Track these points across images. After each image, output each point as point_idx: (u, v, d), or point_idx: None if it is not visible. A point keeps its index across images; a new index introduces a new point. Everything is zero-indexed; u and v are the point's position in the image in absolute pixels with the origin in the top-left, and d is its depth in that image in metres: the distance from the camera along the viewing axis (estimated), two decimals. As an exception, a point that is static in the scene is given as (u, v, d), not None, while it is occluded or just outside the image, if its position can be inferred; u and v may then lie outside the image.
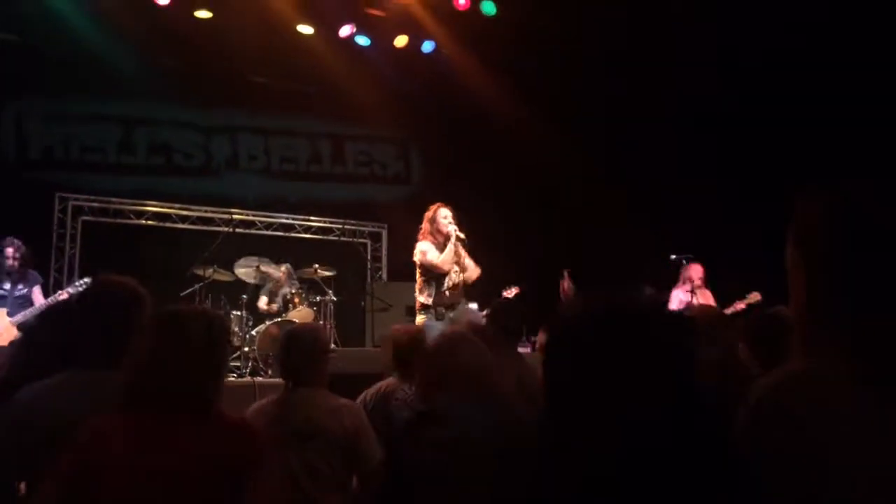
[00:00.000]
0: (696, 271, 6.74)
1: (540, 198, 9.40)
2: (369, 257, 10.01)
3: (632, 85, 8.21)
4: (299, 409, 2.83)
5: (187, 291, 7.48)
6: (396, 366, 3.47)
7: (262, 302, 7.94)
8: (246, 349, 7.21)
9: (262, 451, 1.92)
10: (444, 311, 5.67)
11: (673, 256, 6.83)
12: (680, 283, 6.86)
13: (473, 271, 5.85)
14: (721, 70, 7.52)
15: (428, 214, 5.85)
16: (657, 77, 7.97)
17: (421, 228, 5.86)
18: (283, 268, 8.03)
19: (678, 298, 6.78)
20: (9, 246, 5.99)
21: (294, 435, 2.75)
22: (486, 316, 3.82)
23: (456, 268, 5.78)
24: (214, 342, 1.96)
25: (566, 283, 4.36)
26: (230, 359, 7.38)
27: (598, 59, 8.27)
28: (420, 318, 5.70)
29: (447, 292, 5.71)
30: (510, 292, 7.51)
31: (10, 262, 5.98)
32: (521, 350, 5.02)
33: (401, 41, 8.99)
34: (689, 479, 1.12)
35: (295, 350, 2.96)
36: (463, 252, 5.84)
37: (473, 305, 6.28)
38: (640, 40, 7.84)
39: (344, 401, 2.94)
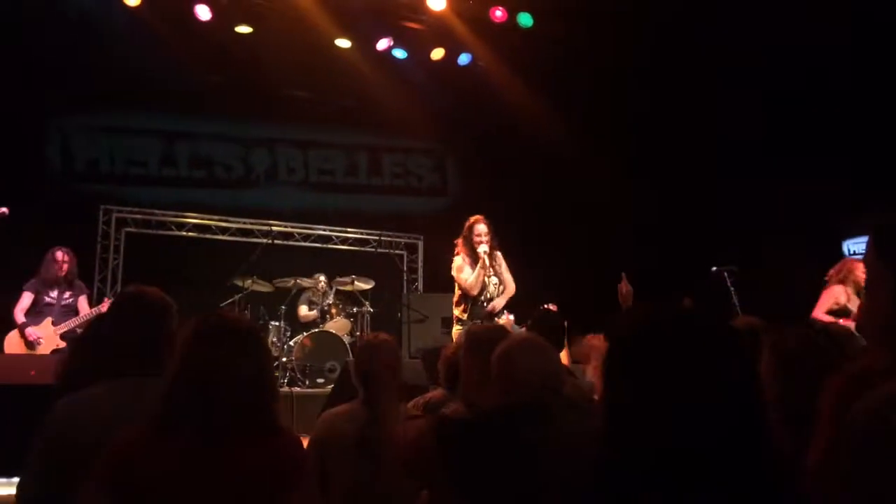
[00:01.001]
0: (860, 270, 5.68)
1: (575, 210, 9.34)
2: (405, 269, 10.04)
3: (667, 97, 8.15)
4: (380, 422, 2.75)
5: (227, 302, 7.58)
6: (447, 379, 3.41)
7: (304, 310, 8.03)
8: (284, 360, 7.28)
9: (305, 467, 1.87)
10: (479, 323, 5.65)
11: (714, 268, 6.71)
12: (836, 281, 5.93)
13: (512, 288, 5.80)
14: (757, 85, 7.43)
15: (465, 228, 5.80)
16: (693, 89, 7.90)
17: (459, 244, 5.83)
18: (320, 278, 8.12)
19: (835, 297, 5.89)
20: (61, 253, 6.12)
21: (372, 448, 2.69)
22: (526, 329, 3.79)
23: (495, 279, 5.76)
24: (268, 352, 1.92)
25: (624, 286, 4.28)
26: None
27: (633, 71, 8.22)
28: (456, 330, 5.70)
29: (484, 304, 5.70)
30: (547, 308, 7.46)
31: (61, 268, 6.09)
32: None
33: (437, 54, 9.04)
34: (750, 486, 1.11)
35: (375, 360, 2.88)
36: (501, 268, 5.80)
37: (510, 317, 6.25)
38: (675, 52, 7.79)
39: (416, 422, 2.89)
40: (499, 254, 5.86)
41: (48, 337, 5.94)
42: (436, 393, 3.39)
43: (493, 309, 5.71)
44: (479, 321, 5.65)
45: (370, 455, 2.68)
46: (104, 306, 6.07)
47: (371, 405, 2.83)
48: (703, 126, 8.07)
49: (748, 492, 1.11)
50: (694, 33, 7.49)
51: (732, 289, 6.57)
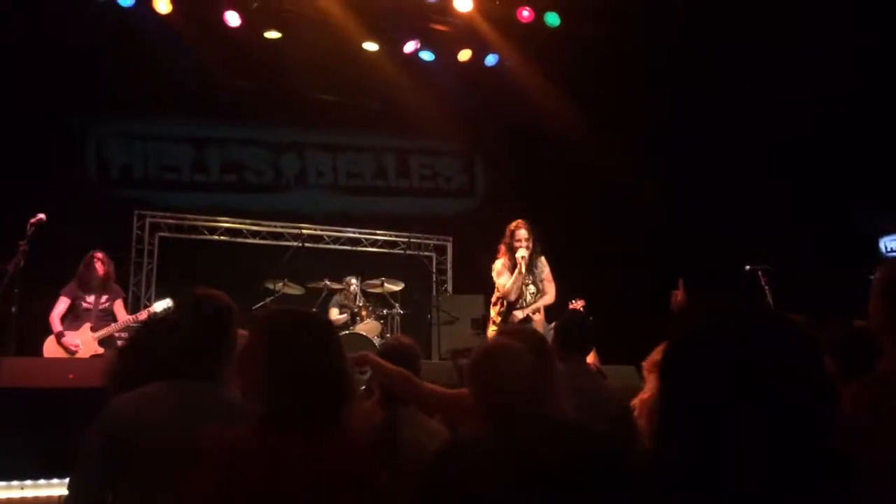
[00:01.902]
0: None
1: (603, 210, 9.28)
2: (434, 270, 10.05)
3: (696, 95, 8.07)
4: (398, 425, 2.73)
5: (258, 305, 7.66)
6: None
7: (335, 313, 8.08)
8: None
9: (378, 470, 1.83)
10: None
11: (747, 267, 6.62)
12: None
13: (549, 297, 5.76)
14: (794, 81, 7.32)
15: (507, 232, 5.75)
16: (724, 86, 7.81)
17: (501, 247, 5.80)
18: (351, 281, 8.17)
19: None
20: (99, 256, 6.22)
21: (387, 450, 2.61)
22: (554, 328, 3.78)
23: (533, 288, 5.71)
24: (343, 349, 1.86)
25: (680, 294, 4.22)
26: None
27: (661, 70, 8.16)
28: (492, 331, 5.71)
29: (519, 313, 5.67)
30: (576, 305, 7.43)
31: (99, 272, 6.17)
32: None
33: (465, 55, 9.06)
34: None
35: (395, 363, 2.82)
36: (542, 274, 5.76)
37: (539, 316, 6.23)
38: (703, 49, 7.72)
39: (436, 425, 2.85)
40: (542, 260, 5.81)
41: (86, 342, 6.02)
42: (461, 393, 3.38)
43: (514, 319, 5.64)
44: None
45: (385, 456, 2.66)
46: (143, 315, 6.17)
47: (388, 408, 2.81)
48: (734, 123, 7.97)
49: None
50: (724, 29, 7.41)
51: (767, 287, 6.49)
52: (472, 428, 2.06)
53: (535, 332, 2.77)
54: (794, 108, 7.47)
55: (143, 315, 6.14)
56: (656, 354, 3.41)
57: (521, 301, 5.67)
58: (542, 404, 2.00)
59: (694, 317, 1.25)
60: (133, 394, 2.07)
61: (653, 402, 3.11)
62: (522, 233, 5.66)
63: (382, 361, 2.76)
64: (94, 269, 6.15)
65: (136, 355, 2.34)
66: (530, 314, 5.73)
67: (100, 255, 6.22)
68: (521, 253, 5.58)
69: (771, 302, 6.45)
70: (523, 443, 1.86)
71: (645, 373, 3.52)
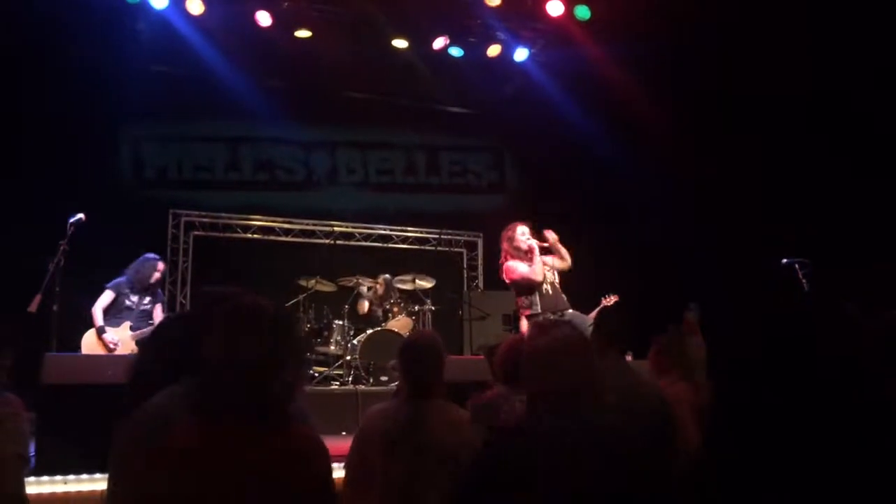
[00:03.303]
0: None
1: (634, 203, 9.18)
2: (465, 266, 10.06)
3: (726, 84, 7.94)
4: (421, 421, 2.73)
5: (291, 302, 7.73)
6: (503, 376, 3.41)
7: (364, 306, 8.12)
8: (348, 358, 7.38)
9: (324, 466, 1.79)
10: (550, 317, 5.65)
11: (785, 260, 6.51)
12: None
13: (566, 261, 5.93)
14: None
15: (506, 234, 5.96)
16: (749, 76, 7.69)
17: (502, 251, 5.93)
18: (381, 279, 8.19)
19: None
20: (161, 267, 6.48)
21: (412, 447, 2.67)
22: (592, 323, 3.75)
23: (549, 275, 5.83)
24: (285, 336, 1.81)
25: (690, 322, 4.22)
26: (322, 364, 7.60)
27: (692, 60, 8.03)
28: (525, 328, 5.71)
29: (550, 293, 5.78)
30: (609, 300, 7.38)
31: (155, 279, 6.43)
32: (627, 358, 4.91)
33: (494, 51, 9.03)
34: None
35: (417, 359, 2.87)
36: (557, 244, 5.92)
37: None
38: (735, 37, 7.58)
39: (464, 413, 2.87)
40: (550, 233, 5.97)
41: (124, 340, 6.15)
42: (496, 391, 3.38)
43: (556, 288, 5.87)
44: (549, 314, 5.66)
45: (410, 453, 2.63)
46: None
47: (412, 404, 2.81)
48: (770, 116, 7.84)
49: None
50: (761, 23, 7.27)
51: (804, 281, 6.38)
52: (530, 416, 2.06)
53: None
54: (832, 99, 7.31)
55: None
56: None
57: (544, 283, 5.80)
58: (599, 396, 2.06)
59: (753, 319, 1.23)
60: (163, 394, 2.11)
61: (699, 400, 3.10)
62: (524, 229, 5.91)
63: None
64: (154, 275, 6.38)
65: (157, 354, 2.38)
66: (570, 308, 5.84)
67: (161, 265, 6.48)
68: (532, 241, 5.83)
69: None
70: (599, 430, 1.90)
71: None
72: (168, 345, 2.33)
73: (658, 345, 3.93)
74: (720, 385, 1.25)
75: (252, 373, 1.72)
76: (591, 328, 3.71)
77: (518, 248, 5.84)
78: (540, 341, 2.18)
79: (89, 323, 6.14)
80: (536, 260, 5.75)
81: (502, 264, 5.94)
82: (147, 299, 6.37)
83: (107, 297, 6.23)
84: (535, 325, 2.56)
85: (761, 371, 1.20)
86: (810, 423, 1.09)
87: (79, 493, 3.87)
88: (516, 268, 5.80)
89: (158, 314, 6.40)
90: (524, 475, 1.81)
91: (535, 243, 5.81)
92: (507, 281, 5.93)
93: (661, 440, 2.89)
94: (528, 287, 5.78)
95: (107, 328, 6.12)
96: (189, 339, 2.19)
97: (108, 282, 6.33)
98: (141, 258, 6.39)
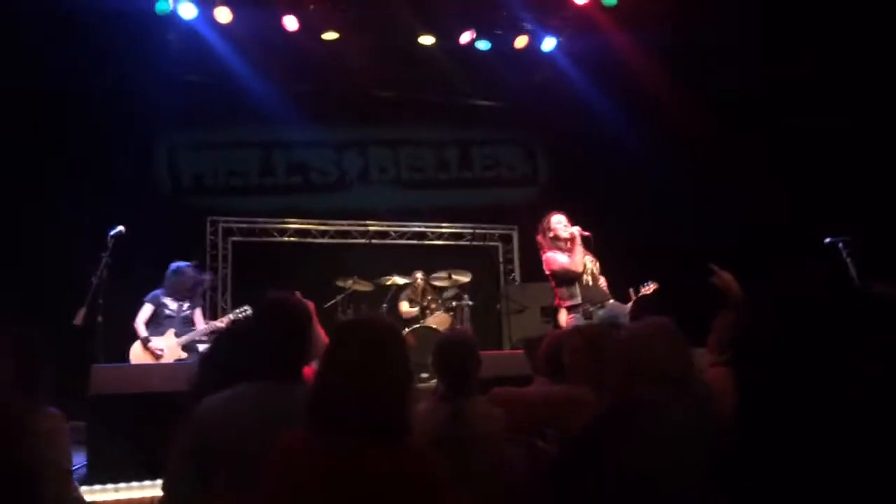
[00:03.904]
0: None
1: (668, 192, 9.03)
2: (501, 260, 10.03)
3: (753, 76, 7.80)
4: (462, 418, 2.74)
5: (330, 303, 7.80)
6: (547, 369, 3.38)
7: (405, 306, 8.17)
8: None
9: (445, 477, 1.82)
10: (591, 308, 5.60)
11: (828, 240, 6.34)
12: None
13: (575, 264, 5.76)
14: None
15: (541, 226, 5.85)
16: (778, 61, 7.52)
17: (539, 241, 5.84)
18: (418, 274, 8.22)
19: None
20: (207, 277, 6.65)
21: (454, 444, 2.65)
22: (630, 311, 3.71)
23: (589, 257, 5.73)
24: (408, 358, 1.88)
25: (719, 277, 4.12)
26: None
27: (720, 48, 7.88)
28: (566, 319, 5.65)
29: (590, 285, 5.67)
30: (648, 289, 7.29)
31: (190, 283, 6.50)
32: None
33: (521, 42, 8.96)
34: None
35: (451, 357, 2.88)
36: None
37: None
38: (765, 30, 7.43)
39: (498, 410, 2.86)
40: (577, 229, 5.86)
41: (171, 347, 6.26)
42: (538, 383, 3.35)
43: (598, 280, 5.75)
44: (589, 306, 5.59)
45: (452, 452, 2.61)
46: (223, 321, 6.35)
47: (451, 402, 2.81)
48: (811, 93, 7.66)
49: None
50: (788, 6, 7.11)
51: (849, 260, 6.22)
52: (627, 400, 2.10)
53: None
54: (876, 75, 7.11)
55: (222, 321, 6.33)
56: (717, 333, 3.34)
57: (585, 272, 5.69)
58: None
59: (767, 302, 1.21)
60: (221, 395, 2.15)
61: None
62: (559, 217, 5.80)
63: None
64: (188, 279, 6.45)
65: (216, 364, 2.41)
66: (611, 298, 5.75)
67: (191, 270, 6.54)
68: (574, 228, 5.71)
69: (854, 276, 6.19)
70: (695, 413, 1.95)
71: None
72: (235, 355, 2.37)
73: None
74: (738, 370, 1.24)
75: (371, 389, 1.76)
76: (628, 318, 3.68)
77: (556, 238, 5.74)
78: (637, 328, 2.22)
79: (133, 336, 6.27)
80: (577, 249, 5.63)
81: (542, 255, 5.85)
82: (186, 305, 6.47)
83: (147, 310, 6.35)
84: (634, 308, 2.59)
85: (772, 358, 1.18)
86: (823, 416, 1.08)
87: (129, 500, 3.95)
88: (555, 258, 5.71)
89: (199, 318, 6.50)
90: (633, 450, 1.83)
91: (577, 231, 5.68)
92: (548, 272, 5.84)
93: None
94: (569, 278, 5.68)
95: (151, 338, 6.24)
96: (267, 344, 2.23)
97: (149, 292, 6.45)
98: (172, 267, 6.46)
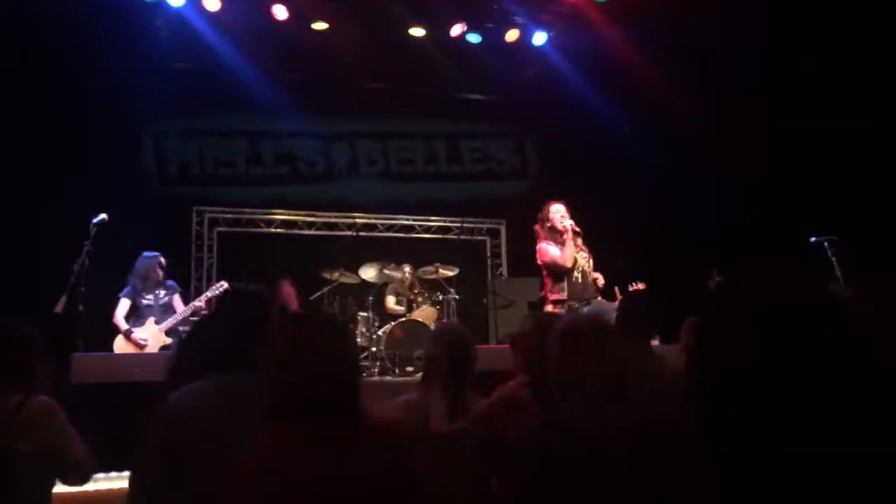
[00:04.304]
0: None
1: (657, 187, 9.05)
2: (489, 254, 10.01)
3: (749, 73, 7.81)
4: (458, 411, 2.72)
5: (316, 295, 7.75)
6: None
7: (391, 302, 8.13)
8: (374, 349, 7.39)
9: (412, 449, 1.93)
10: (575, 305, 5.57)
11: (813, 239, 6.37)
12: None
13: (564, 259, 5.68)
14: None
15: (541, 214, 5.77)
16: (775, 69, 7.55)
17: (536, 230, 5.78)
18: (405, 268, 8.19)
19: None
20: (161, 262, 6.46)
21: (447, 438, 2.65)
22: (617, 309, 3.69)
23: (583, 254, 5.69)
24: (346, 344, 1.97)
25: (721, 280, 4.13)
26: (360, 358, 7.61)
27: (711, 43, 7.88)
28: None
29: (579, 281, 5.62)
30: (636, 287, 7.29)
31: (161, 275, 6.44)
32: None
33: (512, 35, 8.93)
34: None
35: (454, 348, 2.86)
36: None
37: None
38: (759, 26, 7.45)
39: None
40: (579, 239, 5.80)
41: (154, 336, 6.21)
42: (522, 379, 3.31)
43: (588, 276, 5.69)
44: (575, 302, 5.57)
45: (434, 445, 2.62)
46: (201, 301, 6.30)
47: (454, 394, 2.79)
48: (795, 96, 7.68)
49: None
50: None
51: (834, 260, 6.25)
52: (570, 405, 2.05)
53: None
54: (862, 77, 7.13)
55: (201, 301, 6.28)
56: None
57: (575, 268, 5.63)
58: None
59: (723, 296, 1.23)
60: (184, 390, 2.15)
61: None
62: (559, 206, 5.70)
63: None
64: (157, 272, 6.39)
65: (193, 347, 2.39)
66: (599, 296, 5.72)
67: (161, 259, 6.47)
68: (569, 222, 5.61)
69: (840, 275, 6.21)
70: (639, 417, 1.91)
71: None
72: (205, 342, 2.35)
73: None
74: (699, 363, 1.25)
75: (327, 375, 1.85)
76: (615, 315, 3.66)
77: (552, 229, 5.65)
78: (561, 328, 2.16)
79: (116, 329, 6.21)
80: (569, 244, 5.56)
81: (537, 243, 5.78)
82: (163, 293, 6.41)
83: (124, 304, 6.30)
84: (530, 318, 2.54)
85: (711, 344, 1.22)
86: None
87: (109, 490, 3.91)
88: (547, 250, 5.64)
89: (178, 304, 6.46)
90: (565, 468, 1.83)
91: (570, 224, 5.61)
92: (539, 262, 5.77)
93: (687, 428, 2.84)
94: (558, 272, 5.64)
95: (133, 329, 6.18)
96: (226, 336, 2.20)
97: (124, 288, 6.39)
98: (140, 258, 6.40)
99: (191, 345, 2.49)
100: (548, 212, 5.71)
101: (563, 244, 5.61)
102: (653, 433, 1.85)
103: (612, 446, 1.84)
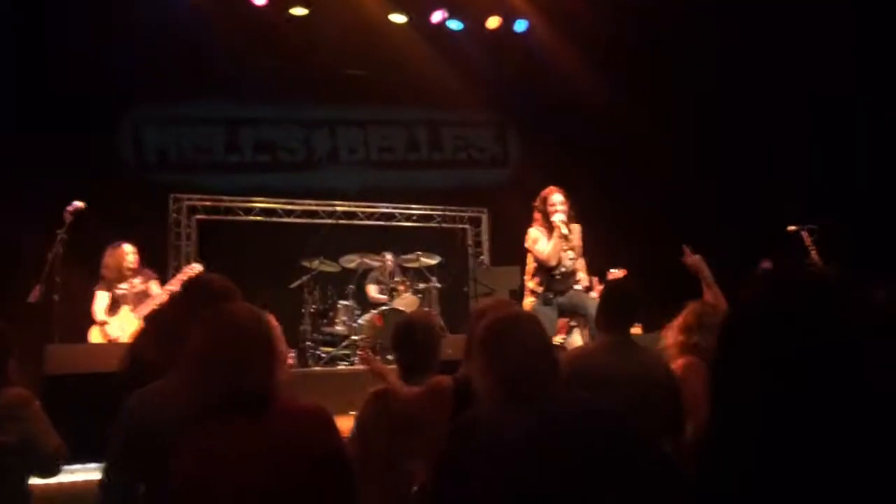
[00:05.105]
0: None
1: (639, 175, 9.07)
2: (471, 242, 9.99)
3: (727, 64, 7.84)
4: (413, 399, 2.77)
5: (296, 283, 7.70)
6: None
7: (373, 290, 8.10)
8: (355, 338, 7.36)
9: (334, 432, 1.95)
10: (552, 296, 5.55)
11: (792, 227, 6.41)
12: None
13: (547, 254, 5.54)
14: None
15: (539, 198, 5.64)
16: (752, 57, 7.57)
17: (535, 214, 5.70)
18: (387, 256, 8.16)
19: None
20: (132, 250, 6.28)
21: (400, 423, 2.72)
22: (598, 298, 3.68)
23: (571, 254, 5.62)
24: (264, 336, 1.95)
25: (689, 257, 4.10)
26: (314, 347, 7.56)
27: (695, 36, 7.90)
28: (528, 302, 5.60)
29: (559, 277, 5.59)
30: (615, 274, 7.30)
31: (135, 263, 6.25)
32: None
33: (493, 23, 8.88)
34: None
35: (410, 339, 2.91)
36: (577, 241, 5.68)
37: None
38: (739, 20, 7.47)
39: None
40: (578, 227, 5.72)
41: (130, 323, 6.10)
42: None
43: (572, 274, 5.61)
44: (551, 294, 5.56)
45: (401, 432, 2.67)
46: (173, 283, 6.18)
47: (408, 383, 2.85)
48: (772, 84, 7.71)
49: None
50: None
51: (813, 248, 6.30)
52: (489, 404, 2.02)
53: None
54: (835, 67, 7.18)
55: (172, 284, 6.15)
56: (681, 318, 3.33)
57: (559, 266, 5.55)
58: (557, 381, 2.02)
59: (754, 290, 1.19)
60: (150, 387, 2.14)
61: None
62: (557, 197, 5.55)
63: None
64: (126, 260, 6.18)
65: (147, 343, 2.38)
66: (577, 278, 5.66)
67: (131, 247, 6.24)
68: (559, 217, 5.48)
69: (819, 263, 6.26)
70: (550, 419, 1.87)
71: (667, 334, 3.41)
72: (161, 334, 2.32)
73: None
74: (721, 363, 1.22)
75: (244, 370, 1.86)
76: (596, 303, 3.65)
77: (546, 219, 5.54)
78: (484, 325, 2.12)
79: (93, 320, 6.09)
80: (554, 242, 5.46)
81: (531, 226, 5.67)
82: (137, 280, 6.25)
83: (101, 297, 6.12)
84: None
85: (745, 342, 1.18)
86: (801, 408, 1.07)
87: (86, 482, 3.86)
88: (537, 239, 5.56)
89: (154, 290, 6.33)
90: (478, 469, 1.82)
91: (559, 220, 5.48)
92: (527, 246, 5.66)
93: (662, 417, 2.84)
94: (540, 263, 5.60)
95: (108, 320, 6.06)
96: (178, 329, 2.16)
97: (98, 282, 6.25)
98: (106, 251, 6.20)
99: (148, 333, 2.47)
100: (545, 199, 5.58)
101: (549, 238, 5.54)
102: (554, 436, 1.83)
103: (513, 448, 1.82)
